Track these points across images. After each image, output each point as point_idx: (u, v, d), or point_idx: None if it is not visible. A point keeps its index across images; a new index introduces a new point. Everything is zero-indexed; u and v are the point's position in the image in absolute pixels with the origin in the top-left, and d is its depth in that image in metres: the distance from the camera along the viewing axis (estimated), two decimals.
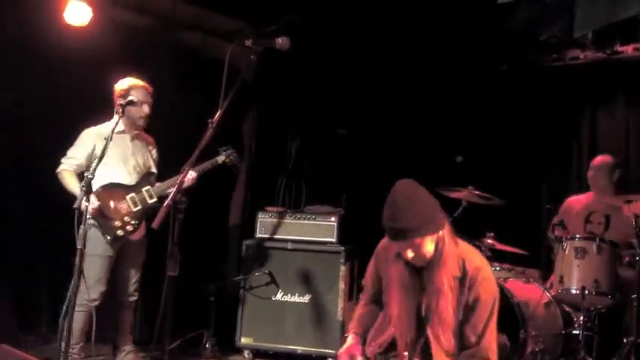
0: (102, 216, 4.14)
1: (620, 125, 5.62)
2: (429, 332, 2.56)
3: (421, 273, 2.60)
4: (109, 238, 4.14)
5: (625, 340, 4.14)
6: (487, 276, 2.59)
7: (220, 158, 4.46)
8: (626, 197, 4.40)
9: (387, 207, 2.51)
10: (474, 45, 5.63)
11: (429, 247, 2.52)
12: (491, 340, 2.56)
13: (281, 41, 3.32)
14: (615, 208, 4.60)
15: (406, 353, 2.60)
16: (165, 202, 3.02)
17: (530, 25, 5.78)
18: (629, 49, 5.53)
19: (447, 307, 2.52)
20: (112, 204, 4.18)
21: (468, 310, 2.55)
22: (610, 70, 5.61)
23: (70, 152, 4.26)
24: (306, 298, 4.97)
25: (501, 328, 4.06)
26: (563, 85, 5.83)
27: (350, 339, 2.80)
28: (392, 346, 2.70)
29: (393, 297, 2.66)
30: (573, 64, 5.75)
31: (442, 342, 2.54)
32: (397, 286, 2.64)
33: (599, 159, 4.95)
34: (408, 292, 2.61)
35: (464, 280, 2.56)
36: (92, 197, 4.08)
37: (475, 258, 2.63)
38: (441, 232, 2.54)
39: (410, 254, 2.53)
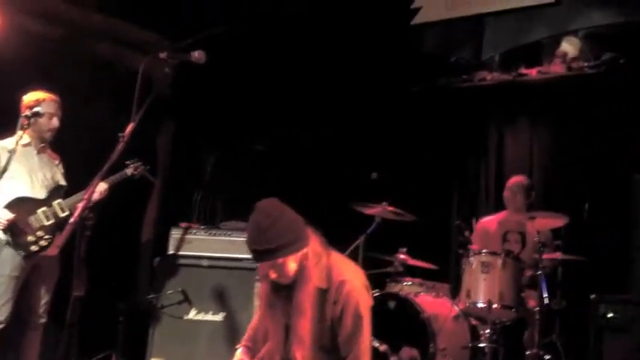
0: (14, 231, 3.96)
1: (524, 145, 5.89)
2: (292, 353, 2.53)
3: (286, 291, 2.57)
4: (22, 253, 3.96)
5: (527, 353, 4.32)
6: (353, 289, 2.53)
7: (129, 171, 4.37)
8: (530, 214, 4.60)
9: (249, 229, 2.51)
10: (388, 65, 5.78)
11: (291, 265, 2.50)
12: (362, 354, 2.53)
13: (197, 55, 3.28)
14: (525, 225, 4.80)
15: None
16: (72, 219, 2.91)
17: (441, 47, 6.01)
18: (533, 72, 5.81)
19: (306, 326, 2.49)
20: (23, 218, 4.00)
21: (336, 323, 2.53)
22: (515, 92, 5.88)
23: None
24: (220, 316, 4.88)
25: (412, 342, 4.22)
26: (472, 105, 6.05)
27: (238, 352, 2.77)
28: None
29: (263, 316, 2.67)
30: (481, 86, 5.98)
31: None
32: (264, 306, 2.64)
33: (515, 179, 5.08)
34: (274, 312, 2.60)
35: (329, 293, 2.54)
36: (5, 211, 3.92)
37: (344, 270, 2.58)
38: (305, 249, 2.52)
39: (273, 274, 2.52)
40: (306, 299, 2.50)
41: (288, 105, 5.96)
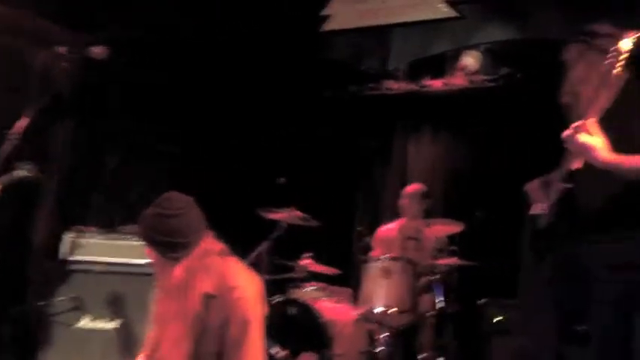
0: None
1: (426, 154, 6.08)
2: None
3: (176, 296, 2.53)
4: None
5: (421, 356, 4.43)
6: (243, 295, 2.49)
7: (20, 172, 4.14)
8: (427, 221, 4.74)
9: (152, 212, 2.52)
10: (297, 71, 5.81)
11: (177, 267, 2.48)
12: None
13: (98, 50, 3.17)
14: (422, 232, 4.93)
15: None
16: None
17: (351, 55, 6.11)
18: (438, 83, 6.01)
19: (183, 333, 2.47)
20: None
21: (225, 330, 2.49)
22: (420, 102, 6.06)
23: None
24: (114, 325, 4.71)
25: (312, 347, 4.24)
26: (379, 113, 6.19)
27: None
28: None
29: (158, 322, 2.62)
30: (388, 94, 6.12)
31: None
32: (158, 313, 2.61)
33: (412, 187, 5.24)
34: (168, 318, 2.55)
35: (218, 300, 2.50)
36: None
37: (237, 277, 2.54)
38: (195, 254, 2.50)
39: (155, 265, 2.55)
40: (190, 306, 2.47)
41: (198, 108, 5.86)
